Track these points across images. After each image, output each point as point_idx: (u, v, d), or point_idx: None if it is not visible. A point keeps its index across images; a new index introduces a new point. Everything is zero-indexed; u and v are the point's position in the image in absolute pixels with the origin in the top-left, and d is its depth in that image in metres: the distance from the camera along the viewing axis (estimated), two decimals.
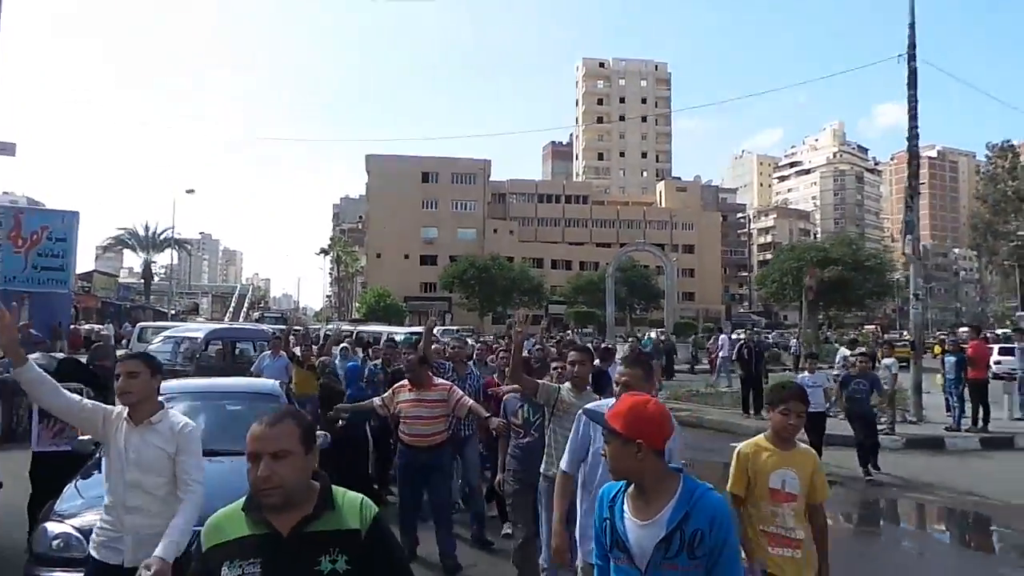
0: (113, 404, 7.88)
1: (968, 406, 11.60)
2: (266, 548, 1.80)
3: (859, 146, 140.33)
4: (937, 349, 18.06)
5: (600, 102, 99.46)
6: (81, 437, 4.40)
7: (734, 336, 20.82)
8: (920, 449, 10.88)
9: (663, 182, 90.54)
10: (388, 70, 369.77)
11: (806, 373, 9.51)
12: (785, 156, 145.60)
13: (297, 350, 10.05)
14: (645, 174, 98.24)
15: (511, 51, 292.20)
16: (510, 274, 49.97)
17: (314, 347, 10.60)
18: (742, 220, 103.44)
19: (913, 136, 12.57)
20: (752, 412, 13.38)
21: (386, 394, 5.93)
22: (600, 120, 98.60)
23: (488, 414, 5.66)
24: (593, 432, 3.39)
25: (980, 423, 11.52)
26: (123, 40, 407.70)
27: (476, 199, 70.72)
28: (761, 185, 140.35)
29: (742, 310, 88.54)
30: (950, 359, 11.71)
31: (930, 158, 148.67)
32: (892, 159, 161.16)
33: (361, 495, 1.97)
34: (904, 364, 13.37)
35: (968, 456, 10.59)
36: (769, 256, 77.36)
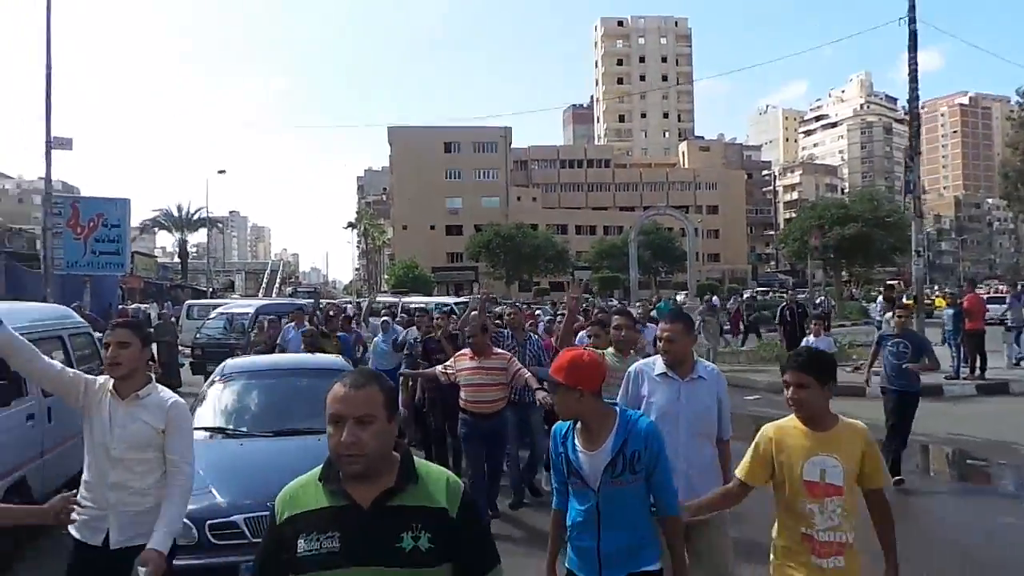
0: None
1: (967, 356, 12.35)
2: (346, 521, 1.70)
3: (887, 96, 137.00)
4: (940, 302, 18.65)
5: (620, 62, 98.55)
6: None
7: (731, 301, 21.25)
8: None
9: (685, 142, 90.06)
10: (405, 39, 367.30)
11: (811, 336, 9.26)
12: (810, 109, 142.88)
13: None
14: (667, 135, 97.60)
15: (528, 14, 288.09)
16: (534, 241, 50.77)
17: (341, 319, 10.84)
18: (767, 178, 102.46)
19: (914, 98, 13.14)
20: None
21: (449, 361, 6.12)
22: (620, 81, 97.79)
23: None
24: (640, 388, 3.49)
25: (977, 371, 12.29)
26: (143, 26, 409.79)
27: (498, 167, 71.31)
28: (787, 140, 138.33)
29: (768, 270, 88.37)
30: (948, 312, 12.46)
31: (961, 105, 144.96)
32: (923, 107, 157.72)
33: (446, 470, 1.88)
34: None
35: (963, 401, 11.42)
36: (795, 214, 77.15)
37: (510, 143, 72.66)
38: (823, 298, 31.25)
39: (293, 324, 10.23)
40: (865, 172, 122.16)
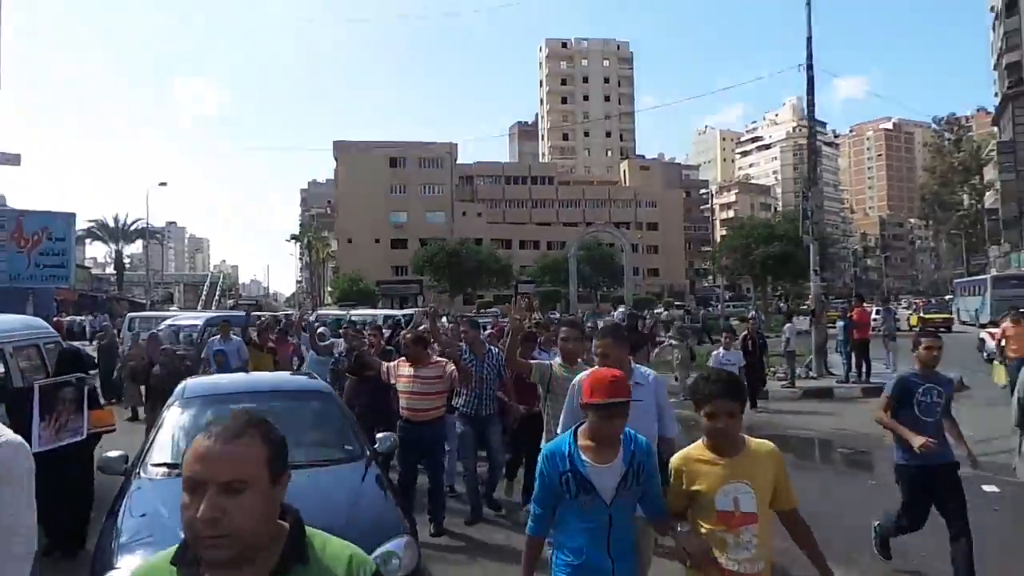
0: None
1: (854, 363, 13.91)
2: None
3: (818, 120, 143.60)
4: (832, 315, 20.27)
5: (564, 82, 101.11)
6: (111, 455, 4.28)
7: (666, 314, 21.30)
8: (813, 399, 13.19)
9: (627, 161, 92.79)
10: (353, 54, 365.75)
11: (721, 349, 9.17)
12: (747, 131, 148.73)
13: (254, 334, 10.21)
14: (610, 153, 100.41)
15: (475, 34, 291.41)
16: (478, 257, 51.81)
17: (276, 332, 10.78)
18: (705, 196, 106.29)
19: (812, 134, 14.79)
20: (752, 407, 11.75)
21: (391, 363, 6.23)
22: (564, 100, 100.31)
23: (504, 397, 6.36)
24: None
25: (863, 376, 13.83)
26: (84, 34, 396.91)
27: (444, 183, 72.25)
28: (724, 160, 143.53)
29: (707, 284, 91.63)
30: (840, 323, 14.00)
31: (886, 130, 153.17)
32: (851, 131, 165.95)
33: (350, 545, 1.44)
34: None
35: (850, 402, 12.89)
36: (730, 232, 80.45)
37: (455, 159, 73.72)
38: (755, 312, 33.20)
39: (219, 337, 9.96)
40: (797, 192, 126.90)
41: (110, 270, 58.23)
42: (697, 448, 2.64)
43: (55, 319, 27.91)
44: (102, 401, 6.92)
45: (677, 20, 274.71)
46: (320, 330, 10.33)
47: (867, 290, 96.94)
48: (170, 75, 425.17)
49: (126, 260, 60.07)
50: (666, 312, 29.08)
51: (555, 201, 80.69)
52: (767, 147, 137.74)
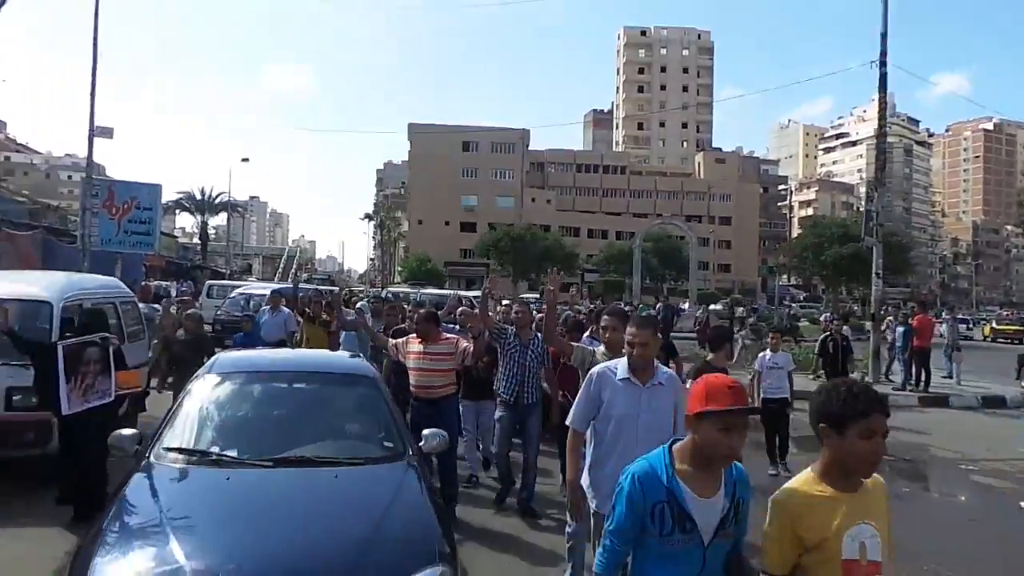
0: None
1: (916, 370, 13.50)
2: None
3: (909, 117, 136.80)
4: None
5: (641, 71, 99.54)
6: (123, 432, 3.82)
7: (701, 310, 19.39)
8: None
9: (702, 153, 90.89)
10: (426, 38, 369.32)
11: (768, 352, 8.02)
12: (831, 127, 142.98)
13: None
14: (685, 144, 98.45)
15: (553, 18, 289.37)
16: (543, 243, 52.04)
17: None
18: (784, 192, 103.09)
19: (882, 133, 14.28)
20: None
21: (399, 340, 6.10)
22: (641, 89, 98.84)
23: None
24: (602, 392, 3.47)
25: (922, 385, 13.42)
26: (175, 21, 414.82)
27: (515, 168, 72.66)
28: (807, 156, 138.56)
29: (781, 283, 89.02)
30: (899, 330, 13.59)
31: (985, 131, 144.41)
32: (947, 131, 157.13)
33: None
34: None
35: (903, 411, 12.56)
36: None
37: (527, 145, 73.95)
38: (828, 313, 32.23)
39: (268, 307, 10.03)
40: (882, 192, 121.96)
41: (197, 240, 61.13)
42: (807, 481, 2.05)
43: (143, 283, 29.90)
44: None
45: (763, 10, 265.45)
46: (359, 305, 10.23)
47: (956, 298, 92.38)
48: (260, 57, 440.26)
49: (211, 231, 63.12)
50: (741, 309, 28.64)
51: (626, 191, 79.92)
52: (853, 144, 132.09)
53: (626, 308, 16.55)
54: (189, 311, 8.43)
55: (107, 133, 16.95)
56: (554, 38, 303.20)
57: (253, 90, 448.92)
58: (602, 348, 4.41)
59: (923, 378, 13.39)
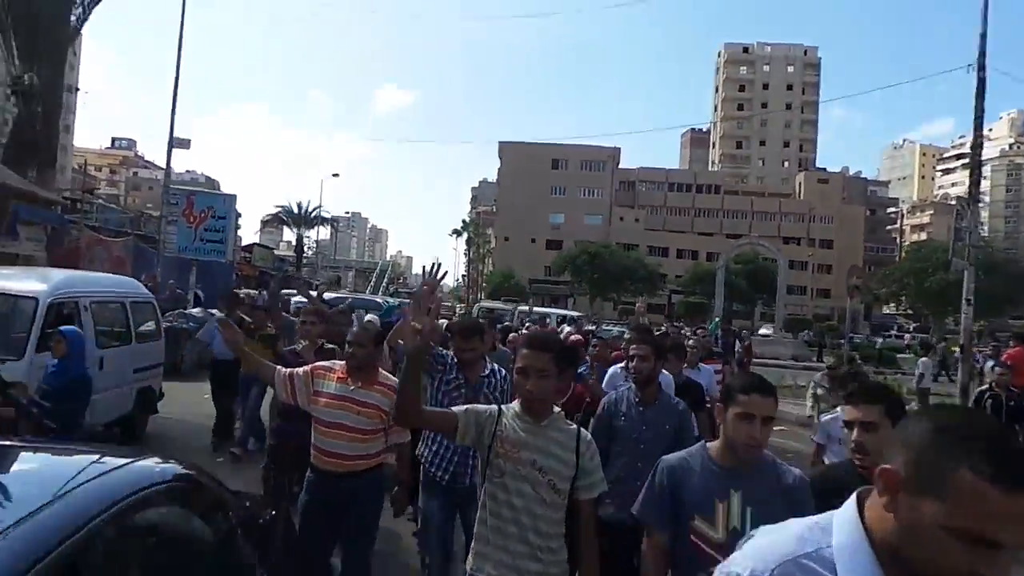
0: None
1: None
2: None
3: None
4: None
5: (742, 88, 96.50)
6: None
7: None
8: None
9: (803, 173, 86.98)
10: (526, 58, 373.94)
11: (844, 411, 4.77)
12: (952, 146, 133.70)
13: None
14: (787, 164, 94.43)
15: (652, 36, 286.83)
16: (623, 261, 50.93)
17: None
18: (893, 215, 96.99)
19: (977, 145, 12.81)
20: None
21: (300, 370, 3.73)
22: (740, 107, 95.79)
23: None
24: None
25: (1019, 428, 11.79)
26: (282, 44, 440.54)
27: (604, 186, 71.89)
28: (923, 178, 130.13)
29: (888, 310, 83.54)
30: (988, 364, 12.03)
31: None
32: None
33: None
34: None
35: None
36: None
37: (617, 163, 73.09)
38: (942, 344, 29.57)
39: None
40: (1009, 216, 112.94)
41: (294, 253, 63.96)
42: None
43: (232, 290, 31.44)
44: None
45: (879, 26, 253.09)
46: (368, 317, 7.84)
47: None
48: (365, 79, 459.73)
49: (313, 244, 65.88)
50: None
51: (719, 211, 77.39)
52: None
53: (696, 331, 14.00)
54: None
55: (184, 144, 17.79)
56: (652, 59, 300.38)
57: (362, 112, 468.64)
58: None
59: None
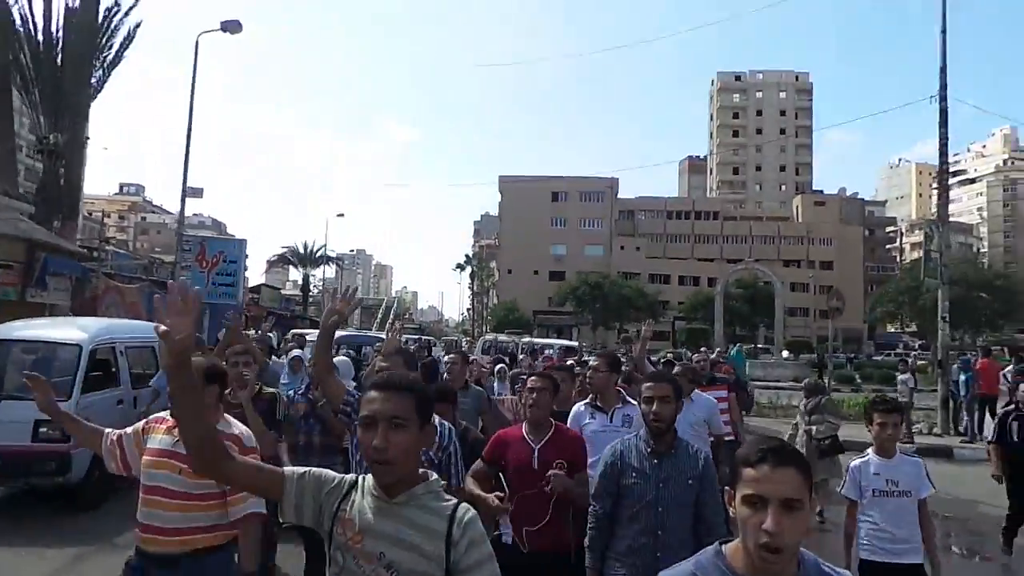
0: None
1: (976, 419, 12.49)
2: None
3: None
4: None
5: (736, 116, 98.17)
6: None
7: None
8: (929, 457, 12.00)
9: (800, 196, 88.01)
10: (524, 92, 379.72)
11: (871, 458, 3.88)
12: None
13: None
14: (783, 188, 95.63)
15: (645, 66, 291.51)
16: (622, 291, 51.68)
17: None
18: (892, 234, 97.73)
19: (943, 171, 13.60)
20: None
21: (130, 428, 2.95)
22: (736, 134, 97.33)
23: None
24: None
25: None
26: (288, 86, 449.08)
27: (604, 216, 72.98)
28: (920, 196, 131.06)
29: (892, 330, 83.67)
30: (961, 376, 12.66)
31: None
32: None
33: None
34: None
35: (969, 464, 11.62)
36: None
37: (616, 193, 74.24)
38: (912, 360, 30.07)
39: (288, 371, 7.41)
40: (1007, 231, 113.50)
41: (300, 292, 64.91)
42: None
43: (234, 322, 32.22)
44: None
45: (867, 51, 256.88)
46: (295, 353, 7.79)
47: None
48: (367, 116, 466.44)
49: (319, 283, 66.79)
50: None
51: (719, 237, 78.30)
52: (971, 181, 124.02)
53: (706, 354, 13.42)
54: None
55: (197, 193, 18.72)
56: (645, 87, 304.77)
57: (360, 148, 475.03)
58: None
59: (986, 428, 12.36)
